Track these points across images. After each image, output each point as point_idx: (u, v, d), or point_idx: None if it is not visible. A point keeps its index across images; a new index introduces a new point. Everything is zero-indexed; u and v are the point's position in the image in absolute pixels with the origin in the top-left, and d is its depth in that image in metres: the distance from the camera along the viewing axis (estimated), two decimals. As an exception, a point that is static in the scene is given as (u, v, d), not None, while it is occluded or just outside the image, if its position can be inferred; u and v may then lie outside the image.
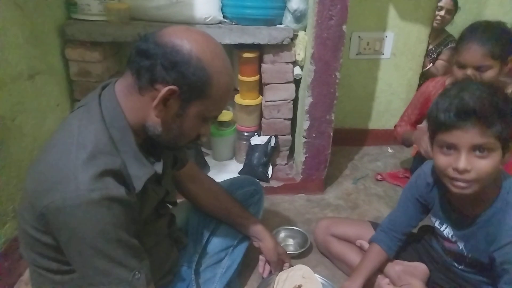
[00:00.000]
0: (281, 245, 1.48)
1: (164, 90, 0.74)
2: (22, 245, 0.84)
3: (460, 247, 1.09)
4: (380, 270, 1.26)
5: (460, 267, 1.14)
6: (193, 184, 1.19)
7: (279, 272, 1.24)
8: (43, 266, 0.83)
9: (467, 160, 0.89)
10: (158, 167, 0.86)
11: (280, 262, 1.27)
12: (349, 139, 2.23)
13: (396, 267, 1.23)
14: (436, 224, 1.17)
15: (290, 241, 1.52)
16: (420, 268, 1.22)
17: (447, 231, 1.12)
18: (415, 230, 1.33)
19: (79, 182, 0.69)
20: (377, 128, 2.27)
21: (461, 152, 0.90)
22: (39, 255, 0.81)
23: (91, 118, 0.77)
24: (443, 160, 0.94)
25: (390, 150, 2.27)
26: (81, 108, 0.81)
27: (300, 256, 1.43)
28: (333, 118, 1.69)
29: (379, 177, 1.99)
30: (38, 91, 1.39)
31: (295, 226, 1.56)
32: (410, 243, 1.29)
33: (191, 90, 0.76)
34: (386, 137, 2.25)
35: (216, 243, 1.19)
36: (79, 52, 1.56)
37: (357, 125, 2.26)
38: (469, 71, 1.36)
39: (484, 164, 0.89)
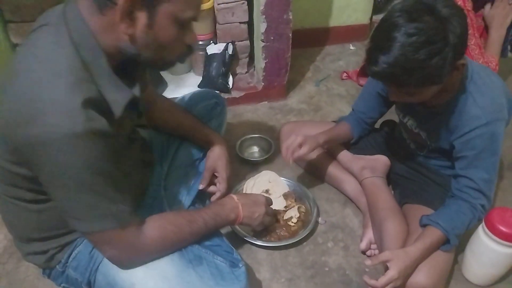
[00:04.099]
0: (246, 153, 1.50)
1: (121, 0, 0.65)
2: None
3: (423, 137, 1.13)
4: (342, 164, 1.32)
5: (422, 154, 1.19)
6: (150, 110, 1.12)
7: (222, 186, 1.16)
8: (17, 196, 0.81)
9: (394, 96, 1.00)
10: (136, 90, 0.79)
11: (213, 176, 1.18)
12: (310, 40, 2.14)
13: (358, 162, 1.29)
14: (400, 117, 1.20)
15: (255, 149, 1.54)
16: (381, 160, 1.29)
17: (410, 122, 1.15)
18: (377, 126, 1.37)
19: (60, 114, 0.65)
20: (338, 25, 2.18)
21: (390, 88, 0.98)
22: (11, 186, 0.79)
23: (59, 40, 0.69)
24: None
25: (352, 48, 2.22)
26: (44, 28, 0.71)
27: (265, 162, 1.46)
28: (291, 17, 1.59)
29: (344, 75, 1.97)
30: None
31: (259, 134, 1.57)
32: (372, 137, 1.34)
33: None
34: (347, 34, 2.18)
35: (181, 159, 1.18)
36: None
37: (317, 23, 2.16)
38: None
39: (412, 99, 0.98)
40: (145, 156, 1.05)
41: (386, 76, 0.90)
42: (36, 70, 0.67)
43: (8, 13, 1.42)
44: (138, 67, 0.82)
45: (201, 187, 1.15)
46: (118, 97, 0.74)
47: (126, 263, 0.83)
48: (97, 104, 0.69)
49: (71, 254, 0.89)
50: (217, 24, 1.69)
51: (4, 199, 0.83)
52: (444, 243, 0.99)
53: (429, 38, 0.83)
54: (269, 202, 1.10)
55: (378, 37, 0.90)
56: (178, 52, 0.79)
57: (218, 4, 1.63)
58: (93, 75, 0.71)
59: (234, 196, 1.01)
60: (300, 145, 1.20)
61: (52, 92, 0.65)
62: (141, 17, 0.69)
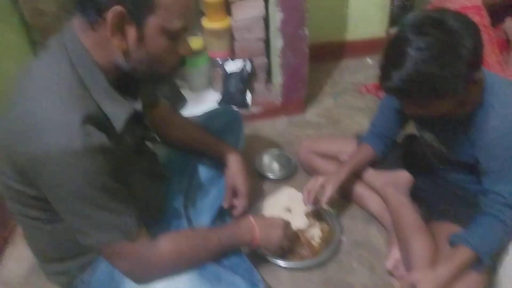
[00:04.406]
0: (266, 169, 1.49)
1: (109, 16, 0.66)
2: (7, 199, 0.82)
3: (444, 151, 1.10)
4: (364, 181, 1.29)
5: (444, 168, 1.16)
6: (165, 127, 1.13)
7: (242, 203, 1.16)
8: (32, 216, 0.82)
9: (409, 110, 0.98)
10: (137, 105, 0.81)
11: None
12: (327, 54, 2.14)
13: (380, 178, 1.26)
14: (419, 131, 1.17)
15: (275, 165, 1.52)
16: (404, 175, 1.25)
17: (430, 137, 1.12)
18: (398, 140, 1.34)
19: (58, 131, 0.66)
20: (354, 39, 2.17)
21: (405, 103, 0.97)
22: (27, 207, 0.80)
23: (57, 60, 0.71)
24: None
25: (369, 61, 2.20)
26: (45, 51, 0.74)
27: (286, 178, 1.44)
28: (306, 33, 1.59)
29: (363, 89, 1.96)
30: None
31: (278, 149, 1.56)
32: (394, 151, 1.31)
33: (137, 5, 0.67)
34: (364, 48, 2.17)
35: (201, 175, 1.18)
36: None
37: (333, 38, 2.16)
38: None
39: (428, 113, 0.95)
40: (154, 170, 1.04)
41: (400, 91, 0.89)
42: (34, 90, 0.69)
43: (37, 36, 1.50)
44: (139, 82, 0.82)
45: (225, 206, 1.15)
46: (118, 111, 0.75)
47: (140, 277, 0.82)
48: (97, 120, 0.70)
49: (92, 275, 0.89)
50: (234, 41, 1.71)
51: (22, 220, 0.84)
52: (476, 263, 0.94)
53: (440, 52, 0.82)
54: (288, 225, 1.08)
55: (390, 53, 0.90)
56: (173, 64, 0.78)
57: (235, 22, 1.65)
58: (92, 92, 0.72)
59: (251, 217, 1.00)
60: (323, 186, 1.17)
61: (50, 110, 0.67)
62: (131, 31, 0.70)
